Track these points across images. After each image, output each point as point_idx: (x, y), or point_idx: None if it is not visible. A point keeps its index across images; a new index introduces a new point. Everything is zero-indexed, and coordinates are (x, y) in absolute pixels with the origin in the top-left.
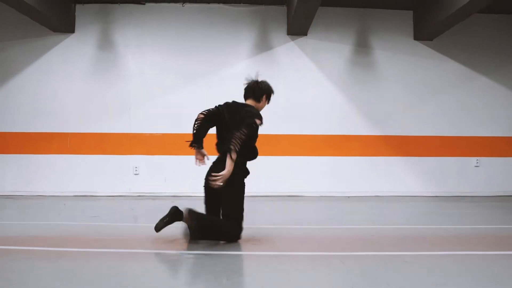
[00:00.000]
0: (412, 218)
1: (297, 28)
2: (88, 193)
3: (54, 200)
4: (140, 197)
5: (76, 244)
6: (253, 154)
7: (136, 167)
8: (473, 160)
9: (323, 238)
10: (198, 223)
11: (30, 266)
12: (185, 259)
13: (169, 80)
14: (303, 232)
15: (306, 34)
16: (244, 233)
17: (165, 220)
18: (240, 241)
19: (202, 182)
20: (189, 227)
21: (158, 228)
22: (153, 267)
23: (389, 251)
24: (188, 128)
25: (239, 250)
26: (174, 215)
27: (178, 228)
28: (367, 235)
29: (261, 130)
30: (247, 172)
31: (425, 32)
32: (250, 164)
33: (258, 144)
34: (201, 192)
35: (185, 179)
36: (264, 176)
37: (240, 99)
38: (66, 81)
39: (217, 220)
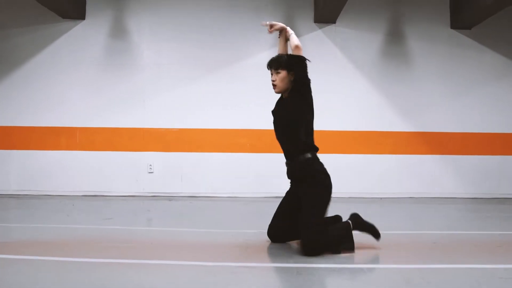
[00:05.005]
0: (464, 221)
1: (326, 16)
2: (99, 192)
3: (62, 200)
4: (155, 197)
5: (91, 252)
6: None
7: (150, 165)
8: None
9: (386, 246)
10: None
11: (34, 281)
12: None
13: (186, 71)
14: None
15: (334, 22)
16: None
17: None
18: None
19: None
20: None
21: None
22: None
23: (471, 262)
24: (207, 123)
25: (326, 262)
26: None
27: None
28: (429, 243)
29: None
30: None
31: (463, 20)
32: (269, 163)
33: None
34: (220, 192)
35: (204, 178)
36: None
37: (262, 90)
38: (75, 71)
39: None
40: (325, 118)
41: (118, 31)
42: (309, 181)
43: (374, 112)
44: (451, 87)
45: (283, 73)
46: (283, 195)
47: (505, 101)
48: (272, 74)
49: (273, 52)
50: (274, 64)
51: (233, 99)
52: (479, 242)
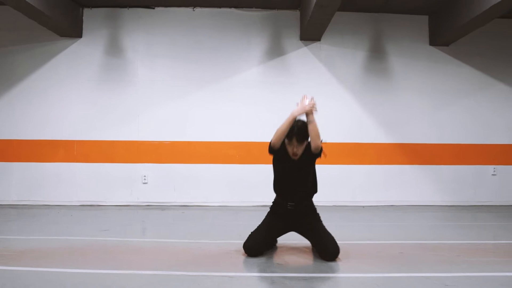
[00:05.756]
0: (436, 231)
1: (311, 34)
2: (95, 202)
3: (61, 209)
4: (149, 206)
5: (90, 263)
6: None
7: (144, 176)
8: (490, 168)
9: (349, 256)
10: None
11: None
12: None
13: (179, 86)
14: None
15: (319, 40)
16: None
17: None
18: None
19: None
20: None
21: None
22: None
23: (423, 271)
24: (198, 136)
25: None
26: None
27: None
28: (394, 252)
29: (268, 138)
30: None
31: (441, 37)
32: (257, 173)
33: (266, 152)
34: (211, 201)
35: (195, 188)
36: None
37: (251, 105)
38: (73, 87)
39: None
40: None
41: (114, 49)
42: (314, 217)
43: (356, 124)
44: (430, 100)
45: (305, 143)
46: (270, 204)
47: (481, 114)
48: (293, 144)
49: (262, 69)
50: (301, 137)
51: (223, 113)
52: (442, 251)
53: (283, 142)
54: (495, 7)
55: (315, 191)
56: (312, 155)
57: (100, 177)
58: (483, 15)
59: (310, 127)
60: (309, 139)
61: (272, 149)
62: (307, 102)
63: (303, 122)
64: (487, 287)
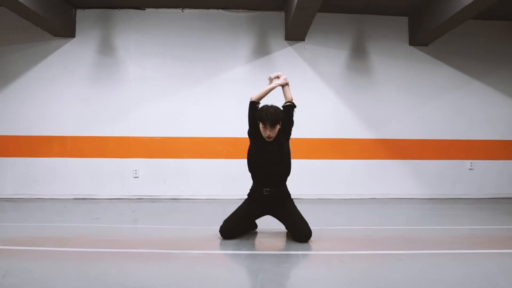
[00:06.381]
0: (408, 219)
1: (295, 34)
2: (88, 196)
3: (55, 203)
4: (140, 200)
5: (80, 244)
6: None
7: (135, 170)
8: (467, 163)
9: (322, 239)
10: None
11: (38, 266)
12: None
13: (168, 84)
14: None
15: (303, 40)
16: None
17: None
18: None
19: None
20: None
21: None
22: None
23: (385, 250)
24: (187, 132)
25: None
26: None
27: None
28: (362, 235)
29: None
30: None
31: (420, 37)
32: (244, 168)
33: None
34: (199, 195)
35: (185, 182)
36: None
37: (238, 102)
38: (66, 85)
39: None
40: (295, 127)
41: (106, 48)
42: (288, 201)
43: (340, 121)
44: (409, 98)
45: (278, 127)
46: None
47: (459, 111)
48: (267, 128)
49: (248, 68)
50: (274, 122)
51: (211, 110)
52: (406, 235)
53: (258, 128)
54: (466, 9)
55: (289, 171)
56: (288, 113)
57: (93, 172)
58: (456, 16)
59: (286, 88)
60: (281, 121)
61: (253, 104)
62: (282, 77)
63: (274, 108)
64: (436, 260)
